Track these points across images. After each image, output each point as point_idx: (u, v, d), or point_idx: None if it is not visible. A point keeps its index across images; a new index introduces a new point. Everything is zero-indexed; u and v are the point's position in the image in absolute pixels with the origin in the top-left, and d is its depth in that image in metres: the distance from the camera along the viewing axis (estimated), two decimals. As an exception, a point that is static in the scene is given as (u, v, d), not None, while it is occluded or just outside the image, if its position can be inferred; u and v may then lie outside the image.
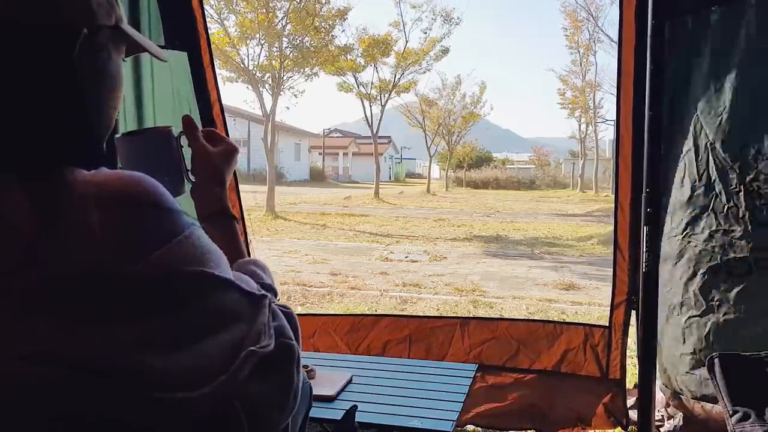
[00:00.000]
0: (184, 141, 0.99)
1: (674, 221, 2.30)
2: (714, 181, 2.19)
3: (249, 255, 0.97)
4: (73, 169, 0.61)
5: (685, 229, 2.26)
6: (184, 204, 0.74)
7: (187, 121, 0.97)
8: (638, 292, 2.16)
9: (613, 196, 2.58)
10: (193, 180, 0.97)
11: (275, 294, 0.80)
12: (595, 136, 33.19)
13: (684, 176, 2.28)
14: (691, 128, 2.27)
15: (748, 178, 2.11)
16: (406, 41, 26.52)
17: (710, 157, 2.20)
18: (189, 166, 0.99)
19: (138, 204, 0.61)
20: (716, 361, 1.97)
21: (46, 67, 0.62)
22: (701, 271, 2.24)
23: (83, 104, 0.66)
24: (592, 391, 2.62)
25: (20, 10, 0.61)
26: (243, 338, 0.65)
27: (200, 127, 0.99)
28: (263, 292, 0.73)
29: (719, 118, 2.19)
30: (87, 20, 0.65)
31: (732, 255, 2.16)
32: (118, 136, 0.93)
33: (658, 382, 2.42)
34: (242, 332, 0.66)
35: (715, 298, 2.21)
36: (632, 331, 2.48)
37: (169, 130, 0.98)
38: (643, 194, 2.09)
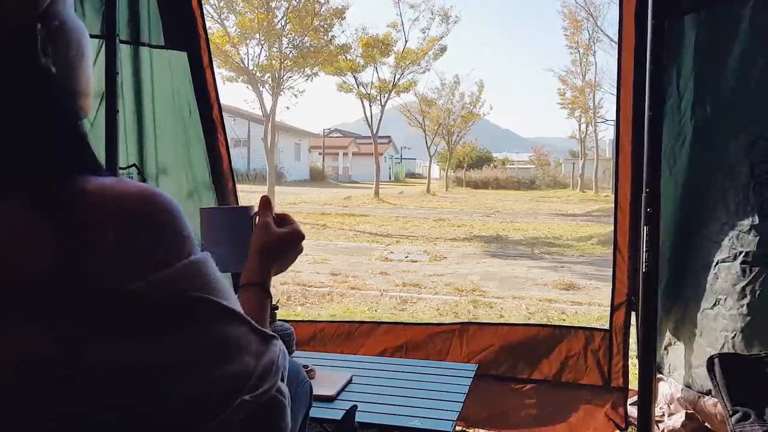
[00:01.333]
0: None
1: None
2: (726, 173, 2.19)
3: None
4: (83, 176, 0.60)
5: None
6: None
7: (264, 200, 1.00)
8: (638, 292, 2.16)
9: (613, 196, 2.57)
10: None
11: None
12: (595, 136, 33.24)
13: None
14: (692, 124, 2.27)
15: (757, 171, 2.11)
16: (405, 41, 26.56)
17: (721, 151, 2.20)
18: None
19: (153, 222, 0.60)
20: (716, 361, 1.97)
21: (16, 73, 0.60)
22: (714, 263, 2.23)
23: (65, 101, 0.65)
24: (594, 401, 2.58)
25: None
26: (249, 374, 0.64)
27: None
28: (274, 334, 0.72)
29: (721, 115, 2.20)
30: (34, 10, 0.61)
31: (740, 248, 2.16)
32: (201, 208, 1.08)
33: (670, 380, 2.43)
34: (249, 367, 0.65)
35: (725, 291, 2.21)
36: (632, 331, 2.48)
37: (248, 209, 1.06)
38: (643, 194, 2.09)
